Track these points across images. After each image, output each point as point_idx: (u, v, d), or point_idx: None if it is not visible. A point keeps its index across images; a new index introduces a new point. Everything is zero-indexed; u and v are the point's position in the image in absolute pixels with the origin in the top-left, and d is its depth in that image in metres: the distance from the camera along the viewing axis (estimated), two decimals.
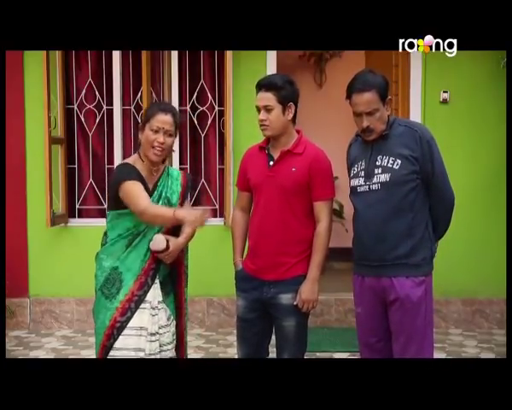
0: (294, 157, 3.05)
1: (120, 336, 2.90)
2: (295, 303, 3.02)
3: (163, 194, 3.00)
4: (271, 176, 3.04)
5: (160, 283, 3.02)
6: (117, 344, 2.90)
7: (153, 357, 2.93)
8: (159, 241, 2.94)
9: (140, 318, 2.92)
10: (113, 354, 2.89)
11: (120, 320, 2.90)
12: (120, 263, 2.93)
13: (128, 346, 2.90)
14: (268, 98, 3.00)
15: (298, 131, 3.13)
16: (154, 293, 2.98)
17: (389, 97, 2.96)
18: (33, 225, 5.61)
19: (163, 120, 2.92)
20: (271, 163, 3.07)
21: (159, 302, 2.98)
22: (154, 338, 2.95)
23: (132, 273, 2.93)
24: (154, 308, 2.96)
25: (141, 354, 2.91)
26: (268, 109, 3.01)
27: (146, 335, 2.93)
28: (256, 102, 3.07)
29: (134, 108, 5.71)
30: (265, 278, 3.07)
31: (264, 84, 3.04)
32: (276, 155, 3.07)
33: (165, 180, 3.03)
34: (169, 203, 3.00)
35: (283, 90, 3.01)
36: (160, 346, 2.98)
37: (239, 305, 3.16)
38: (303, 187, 3.02)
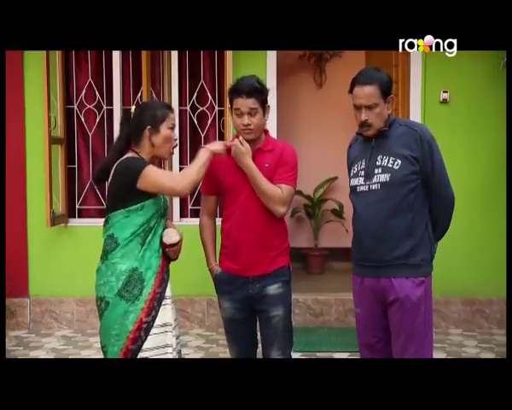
0: (265, 154, 3.12)
1: (149, 337, 2.88)
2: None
3: None
4: (245, 175, 3.08)
5: None
6: (146, 345, 2.87)
7: (174, 352, 2.95)
8: (173, 234, 2.97)
9: (163, 314, 2.93)
10: (143, 355, 2.87)
11: (147, 320, 2.88)
12: (139, 263, 2.90)
13: (156, 344, 2.90)
14: (252, 103, 3.05)
15: (265, 131, 3.21)
16: (171, 287, 3.01)
17: (391, 96, 2.96)
18: (33, 225, 5.61)
19: (173, 116, 3.05)
20: None
21: (172, 296, 3.02)
22: (175, 332, 2.99)
23: (152, 271, 2.92)
24: (172, 303, 3.00)
25: (169, 350, 2.92)
26: (253, 114, 3.06)
27: (171, 330, 2.95)
28: (238, 106, 3.06)
29: None
30: (249, 275, 3.09)
31: (245, 91, 3.05)
32: None
33: None
34: (164, 198, 3.04)
35: (263, 93, 3.09)
36: (176, 339, 3.02)
37: (225, 307, 3.17)
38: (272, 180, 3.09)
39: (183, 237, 3.01)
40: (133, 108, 3.03)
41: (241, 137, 3.08)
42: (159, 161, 5.63)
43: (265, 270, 3.09)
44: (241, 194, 3.10)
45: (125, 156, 2.96)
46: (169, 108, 3.08)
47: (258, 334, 3.24)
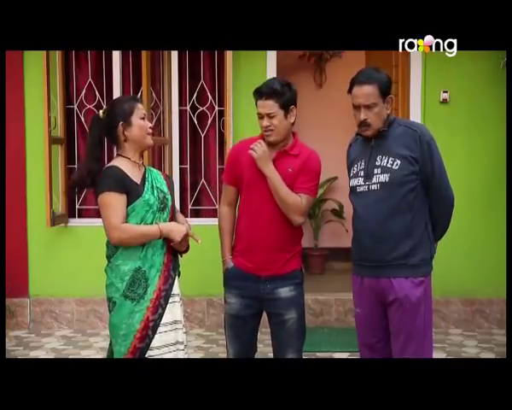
0: (290, 158, 3.10)
1: (157, 335, 2.88)
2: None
3: (154, 184, 3.00)
4: None
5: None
6: (155, 343, 2.88)
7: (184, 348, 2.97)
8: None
9: (172, 312, 2.94)
10: (152, 353, 2.87)
11: (153, 318, 2.88)
12: (142, 262, 2.90)
13: (167, 342, 2.91)
14: (270, 106, 3.04)
15: (293, 134, 3.18)
16: (178, 285, 3.01)
17: (390, 96, 2.96)
18: (33, 225, 5.61)
19: (142, 106, 3.05)
20: None
21: (180, 293, 3.03)
22: (184, 329, 3.01)
23: (156, 269, 2.92)
24: (181, 299, 3.01)
25: (181, 347, 2.94)
26: (271, 116, 3.04)
27: (181, 327, 2.97)
28: (258, 109, 3.08)
29: None
30: (261, 275, 3.09)
31: (264, 92, 3.06)
32: (272, 155, 3.10)
33: (149, 173, 3.04)
34: (162, 193, 3.00)
35: (284, 95, 3.06)
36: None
37: (232, 303, 3.16)
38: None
39: (190, 228, 3.00)
40: (101, 112, 3.01)
41: (260, 141, 3.06)
42: (158, 153, 5.70)
43: (279, 271, 3.09)
44: (258, 192, 3.08)
45: (111, 164, 2.97)
46: (136, 99, 3.09)
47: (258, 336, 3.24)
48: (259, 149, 3.04)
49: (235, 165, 3.17)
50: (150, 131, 3.02)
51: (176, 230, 2.94)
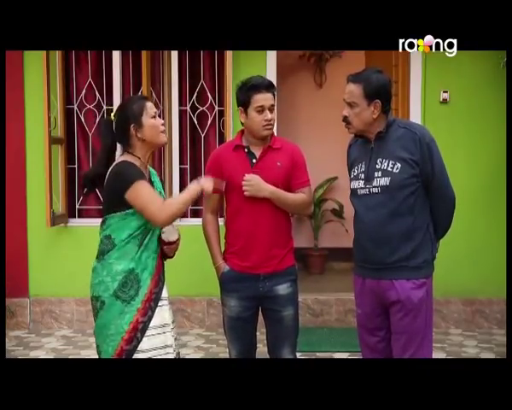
0: (275, 152, 3.15)
1: (145, 338, 2.87)
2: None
3: (156, 186, 3.01)
4: (257, 173, 3.09)
5: None
6: (143, 346, 2.86)
7: (175, 351, 2.96)
8: (172, 231, 2.97)
9: (161, 315, 2.93)
10: (140, 356, 2.85)
11: (143, 320, 2.87)
12: (135, 264, 2.88)
13: (156, 345, 2.89)
14: (271, 98, 3.12)
15: None
16: (166, 288, 3.01)
17: (377, 101, 2.88)
18: (33, 225, 5.61)
19: (152, 104, 3.02)
20: (254, 161, 3.13)
21: (168, 296, 3.02)
22: (173, 332, 2.98)
23: (148, 272, 2.91)
24: (169, 303, 3.00)
25: (169, 351, 2.92)
26: (271, 109, 3.11)
27: (170, 330, 2.95)
28: (259, 102, 3.08)
29: None
30: (260, 273, 3.10)
31: (265, 85, 3.11)
32: (258, 152, 3.14)
33: (153, 176, 3.05)
34: (161, 195, 3.00)
35: (276, 90, 3.17)
36: (175, 340, 3.02)
37: (231, 305, 3.16)
38: (287, 180, 3.14)
39: (180, 237, 3.01)
40: (112, 115, 2.99)
41: (245, 178, 3.07)
42: (158, 153, 5.70)
43: (276, 268, 3.12)
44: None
45: (121, 159, 2.92)
46: (144, 98, 3.07)
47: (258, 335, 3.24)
48: (247, 185, 3.07)
49: (220, 171, 3.15)
50: (163, 128, 2.99)
51: (203, 183, 2.95)
